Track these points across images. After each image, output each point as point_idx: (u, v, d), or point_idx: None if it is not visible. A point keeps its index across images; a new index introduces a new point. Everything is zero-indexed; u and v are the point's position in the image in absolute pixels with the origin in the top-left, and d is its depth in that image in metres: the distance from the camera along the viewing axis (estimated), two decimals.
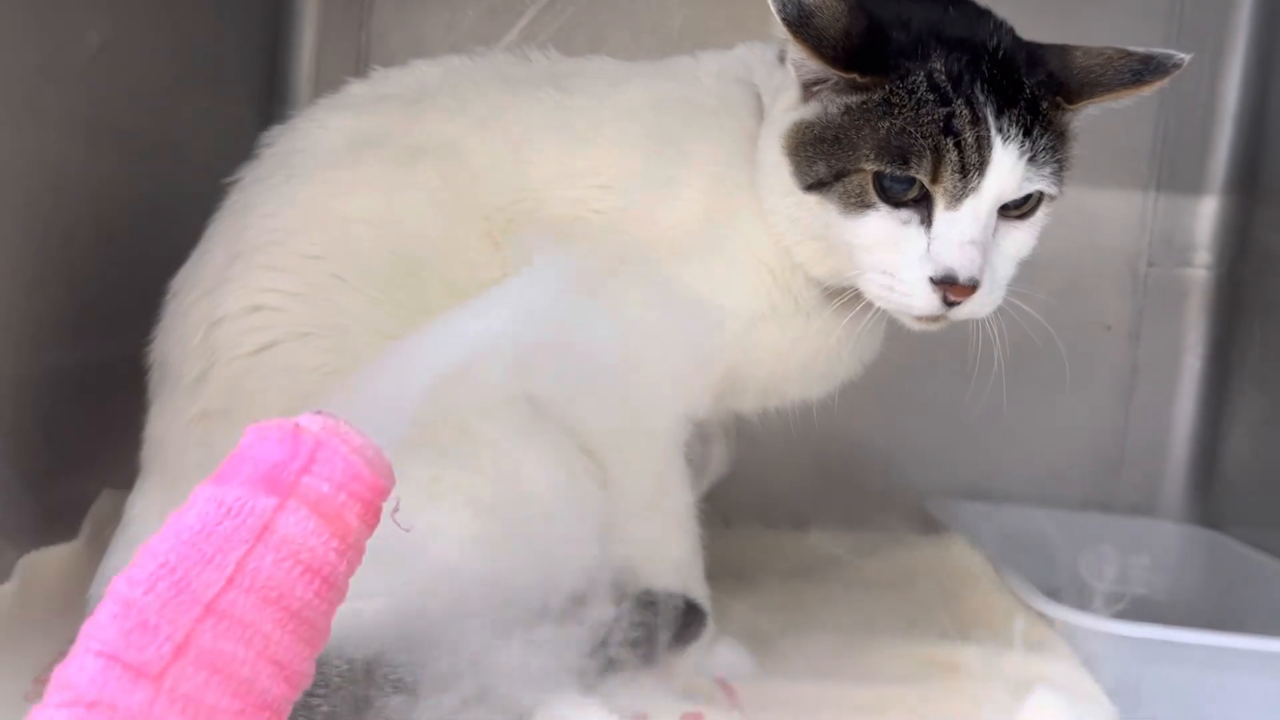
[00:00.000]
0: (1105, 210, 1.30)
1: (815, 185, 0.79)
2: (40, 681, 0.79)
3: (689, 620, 0.84)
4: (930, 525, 1.15)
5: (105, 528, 0.91)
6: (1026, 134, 0.75)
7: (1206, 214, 1.30)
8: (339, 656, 0.73)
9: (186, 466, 0.81)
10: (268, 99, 1.31)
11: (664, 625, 0.81)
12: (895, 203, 0.76)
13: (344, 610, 0.75)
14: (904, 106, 0.75)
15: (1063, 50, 0.80)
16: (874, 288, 0.78)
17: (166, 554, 0.48)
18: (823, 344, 0.87)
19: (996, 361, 0.83)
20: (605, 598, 0.84)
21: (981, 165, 0.74)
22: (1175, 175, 1.30)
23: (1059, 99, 0.78)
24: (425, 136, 0.88)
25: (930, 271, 0.75)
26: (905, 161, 0.75)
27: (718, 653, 0.87)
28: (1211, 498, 1.29)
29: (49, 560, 0.88)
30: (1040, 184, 0.77)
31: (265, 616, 0.48)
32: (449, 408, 0.79)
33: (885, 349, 0.93)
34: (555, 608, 0.80)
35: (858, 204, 0.77)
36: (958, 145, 0.74)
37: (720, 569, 0.93)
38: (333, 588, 0.51)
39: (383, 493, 0.52)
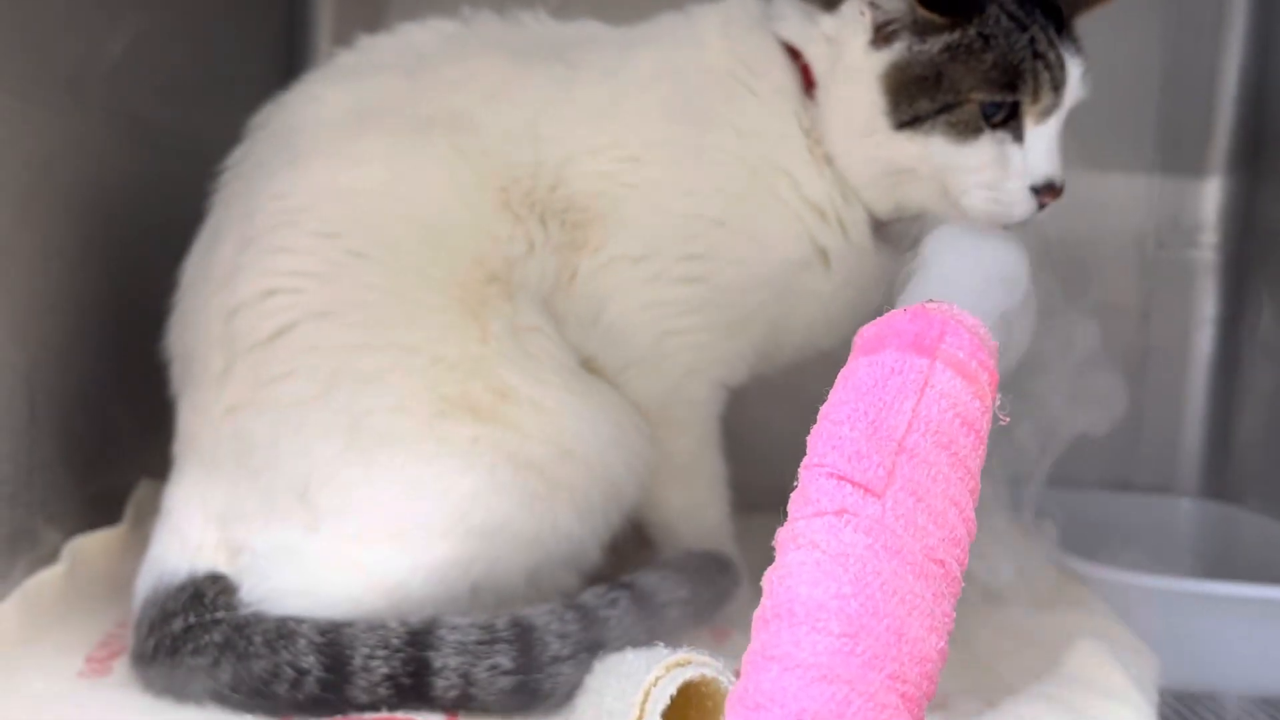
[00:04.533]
0: (1111, 194, 1.32)
1: (911, 121, 0.84)
2: (92, 660, 0.80)
3: (727, 578, 0.86)
4: None
5: (147, 513, 0.92)
6: (1078, 48, 0.85)
7: (1211, 194, 1.32)
8: (395, 620, 0.74)
9: (221, 459, 0.81)
10: None
11: (706, 580, 0.83)
12: (994, 125, 0.83)
13: (389, 578, 0.78)
14: (997, 38, 0.82)
15: None
16: (978, 203, 0.84)
17: (853, 403, 0.52)
18: (867, 283, 0.90)
19: None
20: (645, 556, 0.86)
21: (1065, 81, 0.84)
22: (1179, 157, 1.32)
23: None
24: (433, 107, 0.87)
25: (1031, 181, 0.83)
26: (1013, 88, 0.82)
27: None
28: (1228, 472, 1.30)
29: (94, 544, 0.89)
30: (1085, 91, 0.86)
31: (941, 459, 0.51)
32: (486, 371, 0.81)
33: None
34: (600, 563, 0.81)
35: (970, 131, 0.83)
36: (1047, 67, 0.82)
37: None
38: (981, 442, 0.54)
39: (994, 374, 0.55)
